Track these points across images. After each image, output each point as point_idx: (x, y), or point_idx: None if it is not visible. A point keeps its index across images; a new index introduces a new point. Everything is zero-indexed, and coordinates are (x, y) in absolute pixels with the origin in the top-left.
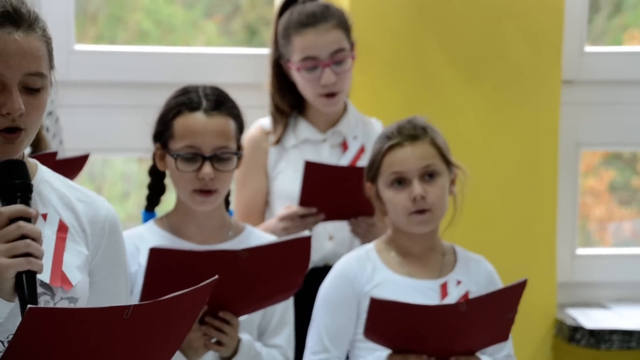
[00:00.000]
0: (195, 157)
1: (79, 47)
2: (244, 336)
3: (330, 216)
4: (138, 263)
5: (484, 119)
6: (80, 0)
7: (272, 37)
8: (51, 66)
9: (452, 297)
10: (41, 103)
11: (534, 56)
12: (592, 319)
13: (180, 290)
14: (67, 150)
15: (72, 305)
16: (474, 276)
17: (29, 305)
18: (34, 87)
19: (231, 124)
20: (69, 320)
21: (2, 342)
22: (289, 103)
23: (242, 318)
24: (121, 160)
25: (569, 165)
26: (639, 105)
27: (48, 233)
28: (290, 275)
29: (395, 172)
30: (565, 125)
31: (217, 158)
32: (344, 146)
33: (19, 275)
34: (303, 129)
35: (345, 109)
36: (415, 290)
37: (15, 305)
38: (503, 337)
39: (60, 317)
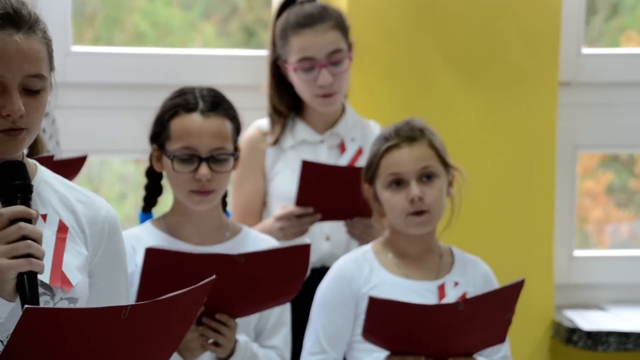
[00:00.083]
0: (192, 158)
1: (76, 48)
2: (241, 337)
3: (327, 216)
4: (135, 264)
5: (482, 121)
6: (77, 1)
7: (270, 38)
8: (51, 68)
9: (450, 299)
10: (41, 104)
11: (532, 58)
12: (589, 321)
13: (176, 291)
14: (64, 151)
15: (71, 306)
16: (471, 277)
17: (26, 305)
18: (34, 89)
19: (228, 125)
20: (67, 320)
21: (2, 342)
22: (286, 104)
23: (238, 319)
24: (119, 161)
25: (566, 167)
26: (636, 107)
27: (48, 234)
28: (288, 281)
29: (393, 173)
30: (563, 127)
31: (214, 159)
32: (342, 148)
33: (20, 276)
34: (301, 130)
35: (343, 110)
36: (413, 292)
37: (15, 305)
38: (500, 338)
39: (58, 317)
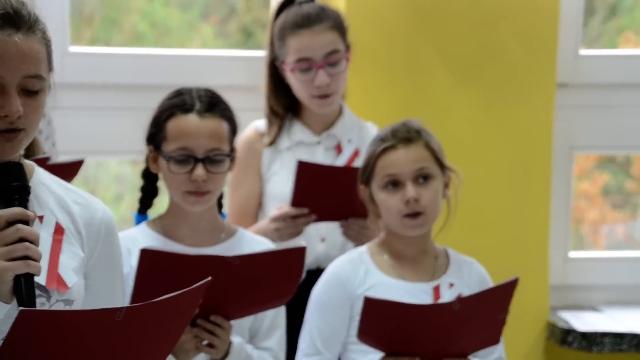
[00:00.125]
0: (188, 158)
1: (74, 49)
2: (235, 339)
3: (322, 217)
4: (130, 265)
5: (479, 122)
6: (75, 2)
7: (268, 38)
8: (50, 68)
9: (445, 300)
10: (39, 105)
11: (529, 59)
12: (584, 322)
13: (171, 293)
14: (61, 152)
15: (67, 308)
16: (467, 279)
17: (20, 307)
18: (32, 90)
19: (224, 126)
20: (62, 322)
21: None
22: (283, 105)
23: (233, 321)
24: (115, 162)
25: (562, 168)
26: (633, 109)
27: (44, 235)
28: (283, 283)
29: (389, 174)
30: (559, 128)
31: (210, 160)
32: (338, 149)
33: (17, 277)
34: (297, 131)
35: (340, 112)
36: (408, 293)
37: (12, 307)
38: (494, 339)
39: (53, 319)
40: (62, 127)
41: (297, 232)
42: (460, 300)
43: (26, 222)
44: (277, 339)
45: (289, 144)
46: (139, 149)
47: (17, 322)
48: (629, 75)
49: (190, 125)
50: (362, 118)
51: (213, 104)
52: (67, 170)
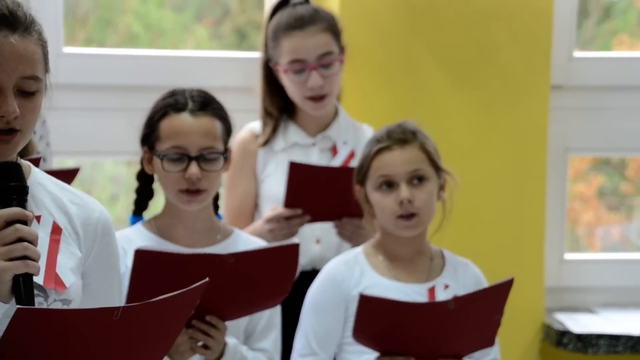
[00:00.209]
0: (182, 157)
1: (68, 49)
2: (230, 340)
3: (316, 217)
4: (125, 265)
5: (473, 124)
6: (69, 2)
7: (262, 40)
8: (46, 69)
9: None
10: (36, 106)
11: (523, 61)
12: (579, 324)
13: (166, 292)
14: (55, 153)
15: (65, 307)
16: (462, 280)
17: (17, 306)
18: (28, 91)
19: (217, 125)
20: (58, 320)
21: None
22: (278, 106)
23: (228, 322)
24: (110, 163)
25: (557, 170)
26: (627, 111)
27: (42, 235)
28: (278, 281)
29: (383, 175)
30: (554, 130)
31: (204, 158)
32: (334, 151)
33: (16, 277)
34: (292, 133)
35: (336, 113)
36: (403, 294)
37: (10, 306)
38: (489, 341)
39: (49, 318)
40: (56, 127)
41: (292, 233)
42: (455, 299)
43: (24, 222)
44: (273, 340)
45: (284, 145)
46: (134, 149)
47: (13, 321)
48: (623, 78)
49: (183, 124)
50: (357, 119)
51: (206, 103)
52: (63, 178)
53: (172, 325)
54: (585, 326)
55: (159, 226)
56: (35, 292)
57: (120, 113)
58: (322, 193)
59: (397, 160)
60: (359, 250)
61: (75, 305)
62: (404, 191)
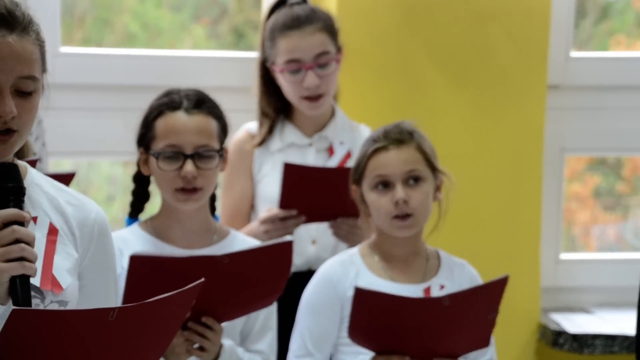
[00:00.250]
0: (177, 155)
1: (65, 49)
2: (226, 342)
3: (311, 218)
4: (121, 266)
5: (470, 123)
6: (67, 2)
7: (260, 39)
8: (44, 69)
9: None
10: (33, 106)
11: (520, 61)
12: (575, 324)
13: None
14: (52, 153)
15: (62, 309)
16: (458, 280)
17: (12, 307)
18: (26, 91)
19: (212, 123)
20: (54, 321)
21: None
22: (274, 106)
23: (224, 323)
24: (107, 163)
25: (553, 170)
26: (624, 111)
27: (38, 236)
28: (272, 280)
29: (379, 175)
30: (550, 130)
31: (199, 155)
32: (330, 151)
33: (12, 279)
34: (289, 133)
35: (332, 113)
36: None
37: (7, 308)
38: (484, 342)
39: (45, 319)
40: (53, 127)
41: (287, 234)
42: (450, 296)
43: (22, 223)
44: (268, 341)
45: (281, 146)
46: (131, 150)
47: (9, 322)
48: (619, 78)
49: (178, 122)
50: (354, 120)
51: (201, 102)
52: (58, 182)
53: (168, 326)
54: (581, 326)
55: (155, 227)
56: (32, 293)
57: (118, 113)
58: (317, 194)
59: (393, 161)
60: (355, 250)
61: (71, 306)
62: (400, 191)
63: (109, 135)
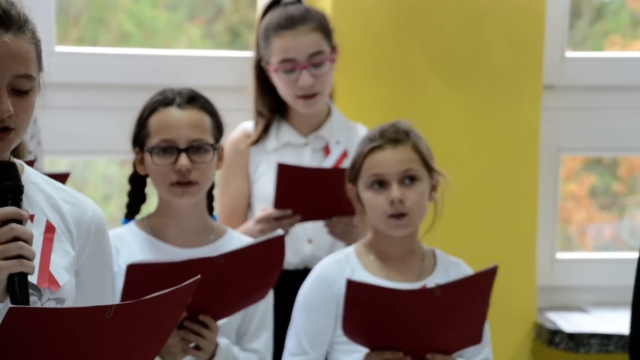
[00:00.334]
0: (171, 149)
1: (60, 48)
2: (222, 341)
3: (306, 217)
4: (117, 265)
5: (465, 123)
6: (62, 1)
7: (254, 39)
8: (40, 68)
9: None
10: (30, 105)
11: (515, 61)
12: (571, 323)
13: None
14: (47, 152)
15: (59, 306)
16: (453, 279)
17: (10, 305)
18: (22, 90)
19: (205, 118)
20: (51, 319)
21: None
22: (269, 106)
23: (221, 322)
24: (103, 162)
25: (549, 170)
26: (619, 111)
27: (35, 234)
28: (266, 274)
29: (375, 174)
30: (546, 130)
31: (193, 149)
32: (326, 151)
33: (10, 276)
34: (285, 133)
35: (328, 113)
36: None
37: (5, 305)
38: (477, 337)
39: (42, 316)
40: (48, 126)
41: None
42: (441, 287)
43: (19, 221)
44: (264, 340)
45: (276, 145)
46: (127, 149)
47: (6, 320)
48: (614, 78)
49: (171, 117)
50: (350, 119)
51: (193, 98)
52: None
53: (165, 324)
54: (577, 325)
55: (151, 225)
56: (29, 291)
57: (113, 112)
58: (311, 193)
59: (389, 160)
60: (351, 249)
61: (68, 304)
62: (395, 191)
63: (104, 134)
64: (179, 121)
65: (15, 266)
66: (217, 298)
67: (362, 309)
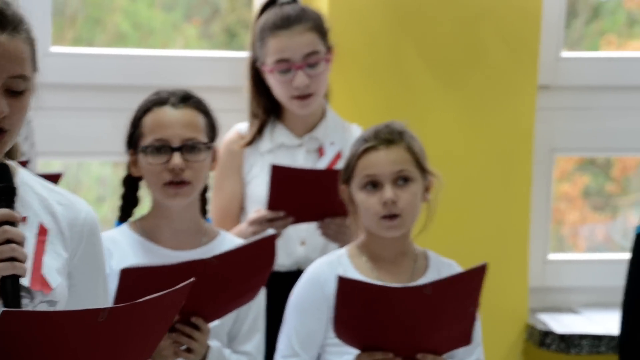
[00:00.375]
0: (164, 148)
1: (55, 49)
2: (213, 343)
3: (300, 218)
4: (109, 267)
5: (460, 124)
6: (58, 1)
7: (250, 39)
8: (35, 68)
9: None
10: (24, 105)
11: (511, 61)
12: (562, 324)
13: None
14: (42, 153)
15: (51, 309)
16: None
17: (2, 308)
18: (17, 90)
19: (199, 118)
20: (44, 322)
21: None
22: (264, 107)
23: (212, 324)
24: (97, 164)
25: (543, 170)
26: (614, 111)
27: (28, 236)
28: (257, 274)
29: (368, 175)
30: (540, 130)
31: (186, 148)
32: (320, 152)
33: (3, 279)
34: (279, 134)
35: (323, 114)
36: None
37: None
38: (466, 338)
39: (35, 320)
40: (43, 127)
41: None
42: (431, 284)
43: (12, 223)
44: (256, 343)
45: (271, 147)
46: (120, 150)
47: None
48: (610, 78)
49: (165, 116)
50: (345, 120)
51: (187, 97)
52: None
53: (158, 327)
54: (568, 326)
55: (144, 227)
56: (22, 293)
57: (109, 113)
58: (304, 194)
59: (383, 161)
60: (343, 251)
61: (61, 306)
62: (388, 192)
63: (99, 135)
64: (172, 120)
65: (7, 268)
66: (209, 299)
67: (353, 306)
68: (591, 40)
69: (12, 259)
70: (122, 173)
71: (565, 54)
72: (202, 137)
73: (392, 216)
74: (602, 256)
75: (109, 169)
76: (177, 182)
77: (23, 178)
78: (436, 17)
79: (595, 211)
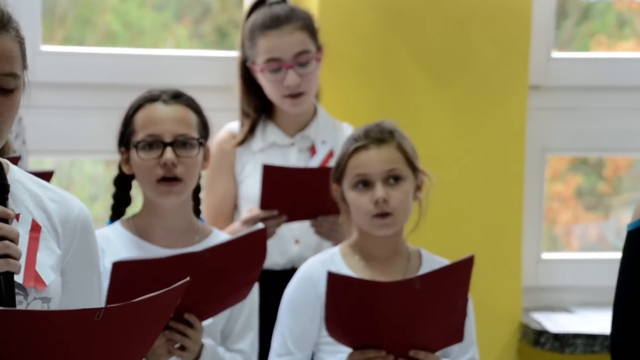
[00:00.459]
0: (156, 143)
1: (45, 48)
2: (207, 341)
3: (292, 217)
4: (103, 265)
5: (452, 123)
6: (48, 1)
7: (240, 39)
8: (24, 66)
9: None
10: (14, 103)
11: (502, 61)
12: (556, 323)
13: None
14: (33, 152)
15: (45, 306)
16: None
17: None
18: (7, 88)
19: (191, 115)
20: (39, 322)
21: None
22: (255, 106)
23: (206, 323)
24: (89, 162)
25: (535, 170)
26: (605, 111)
27: (21, 233)
28: (248, 269)
29: (359, 174)
30: (532, 130)
31: (178, 143)
32: (312, 151)
33: None
34: (271, 133)
35: (314, 113)
36: None
37: None
38: (458, 334)
39: (31, 319)
40: (34, 126)
41: (269, 234)
42: (420, 277)
43: (5, 220)
44: (250, 341)
45: (263, 146)
46: (112, 148)
47: None
48: (600, 78)
49: (157, 112)
50: (336, 119)
51: (179, 94)
52: None
53: (153, 326)
54: (562, 326)
55: (137, 225)
56: (15, 290)
57: (99, 112)
58: (297, 193)
59: (374, 160)
60: (336, 250)
61: (55, 303)
62: (379, 190)
63: (90, 134)
64: (164, 116)
65: (1, 266)
66: (202, 295)
67: (343, 302)
68: (581, 41)
69: (6, 256)
70: (114, 172)
71: (556, 54)
72: (194, 133)
73: (383, 215)
74: (596, 255)
75: (101, 167)
76: (169, 179)
77: (15, 175)
78: (427, 17)
79: (588, 211)
